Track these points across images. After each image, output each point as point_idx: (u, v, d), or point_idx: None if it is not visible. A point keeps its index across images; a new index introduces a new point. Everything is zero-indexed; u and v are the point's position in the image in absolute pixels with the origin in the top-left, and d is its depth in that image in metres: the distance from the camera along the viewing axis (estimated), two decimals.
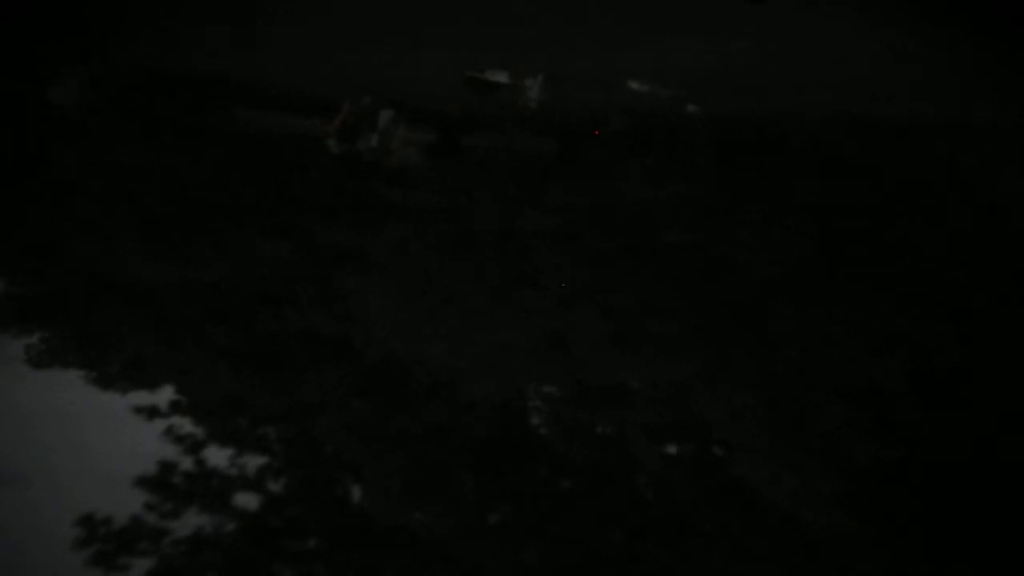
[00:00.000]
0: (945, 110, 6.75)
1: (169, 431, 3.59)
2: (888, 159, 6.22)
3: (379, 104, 6.25)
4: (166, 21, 7.12)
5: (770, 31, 7.92)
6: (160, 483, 3.34)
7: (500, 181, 5.70)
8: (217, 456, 3.50)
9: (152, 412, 3.67)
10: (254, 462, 3.48)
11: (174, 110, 6.04)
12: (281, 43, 6.96)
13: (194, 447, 3.53)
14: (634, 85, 7.04)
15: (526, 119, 6.48)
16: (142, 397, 3.75)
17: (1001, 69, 7.39)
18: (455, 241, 5.08)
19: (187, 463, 3.46)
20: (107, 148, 5.59)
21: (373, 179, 5.67)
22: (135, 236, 4.78)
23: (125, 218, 4.93)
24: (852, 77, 7.17)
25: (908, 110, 6.71)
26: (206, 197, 5.21)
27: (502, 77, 6.90)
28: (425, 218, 5.27)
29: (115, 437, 3.52)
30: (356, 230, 5.11)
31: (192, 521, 3.21)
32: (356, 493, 3.42)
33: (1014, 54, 7.67)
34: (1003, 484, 3.61)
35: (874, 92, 6.98)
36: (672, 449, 3.72)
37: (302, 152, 5.81)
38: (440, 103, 6.46)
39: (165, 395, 3.77)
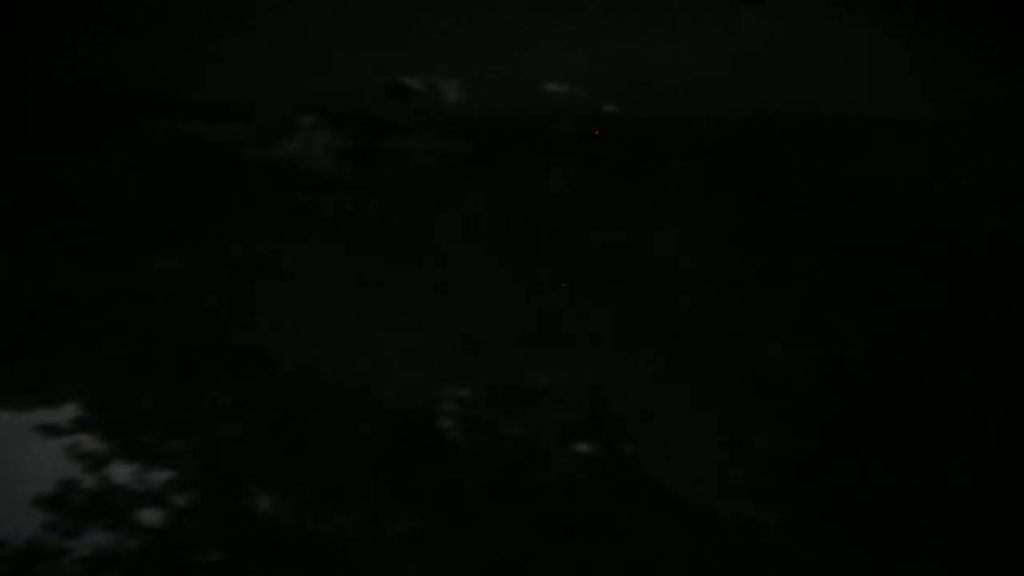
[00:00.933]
0: (886, 108, 6.89)
1: (71, 449, 3.52)
2: (819, 157, 6.33)
3: (294, 110, 6.21)
4: (67, 35, 7.00)
5: (705, 30, 8.01)
6: (60, 503, 3.27)
7: (417, 185, 5.69)
8: (121, 472, 3.44)
9: (54, 430, 3.60)
10: (159, 477, 3.43)
11: (79, 123, 5.94)
12: (193, 50, 6.88)
13: (97, 464, 3.46)
14: (552, 86, 7.07)
15: (444, 122, 6.48)
16: (44, 415, 3.67)
17: (947, 67, 7.55)
18: (371, 246, 5.06)
19: (89, 481, 3.39)
20: (8, 163, 5.48)
21: (289, 186, 5.62)
22: (38, 250, 4.69)
23: (27, 232, 4.83)
24: (793, 76, 7.28)
25: (849, 108, 6.83)
26: (112, 210, 5.13)
27: (420, 81, 6.90)
28: (341, 224, 5.24)
29: (13, 458, 3.44)
30: (270, 238, 5.06)
31: (93, 539, 3.15)
32: (264, 504, 3.38)
33: (960, 51, 7.84)
34: (913, 472, 3.68)
35: (814, 90, 7.09)
36: (583, 447, 3.74)
37: (215, 162, 5.75)
38: (356, 108, 6.43)
39: (68, 412, 3.70)
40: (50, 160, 5.54)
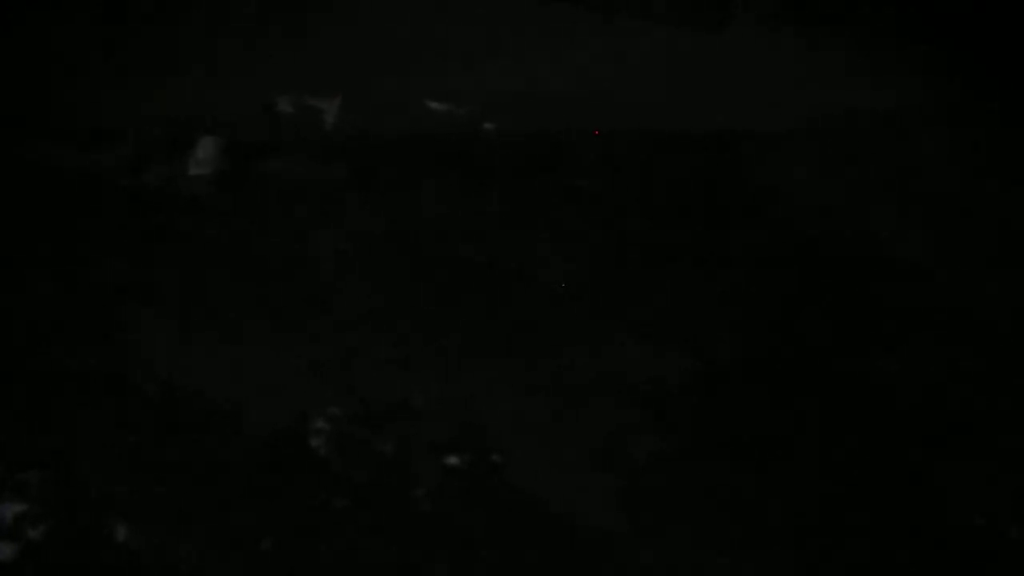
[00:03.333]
0: (747, 122, 7.07)
1: None
2: (691, 170, 6.47)
3: (169, 134, 6.11)
4: None
5: (589, 48, 8.14)
6: None
7: (292, 208, 5.65)
8: None
9: None
10: (12, 511, 3.32)
11: None
12: (61, 74, 6.72)
13: None
14: (432, 105, 7.11)
15: (323, 144, 6.45)
16: None
17: (821, 79, 7.78)
18: (243, 270, 5.00)
19: None
20: None
21: (161, 211, 5.52)
22: None
23: None
24: (674, 92, 7.42)
25: (729, 122, 6.99)
26: None
27: (299, 103, 6.86)
28: (213, 248, 5.17)
29: None
30: (139, 264, 4.96)
31: None
32: (122, 532, 3.31)
33: (835, 64, 8.09)
34: (775, 469, 3.79)
35: (682, 106, 7.24)
36: (452, 460, 3.75)
37: (84, 187, 5.61)
38: (233, 131, 6.36)
39: None
40: None
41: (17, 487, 3.44)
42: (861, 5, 8.11)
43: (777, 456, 3.88)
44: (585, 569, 3.35)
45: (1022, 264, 5.26)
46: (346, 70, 7.45)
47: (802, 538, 3.49)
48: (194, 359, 4.23)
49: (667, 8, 8.40)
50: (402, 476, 3.66)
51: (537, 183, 6.12)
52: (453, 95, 7.17)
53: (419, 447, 3.80)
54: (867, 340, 4.62)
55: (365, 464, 3.73)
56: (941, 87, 7.12)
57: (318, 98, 7.09)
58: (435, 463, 3.72)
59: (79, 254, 4.91)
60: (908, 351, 4.49)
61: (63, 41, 7.24)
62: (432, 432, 3.88)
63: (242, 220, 5.52)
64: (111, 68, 6.94)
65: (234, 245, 5.18)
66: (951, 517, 3.55)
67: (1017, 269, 5.23)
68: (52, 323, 4.33)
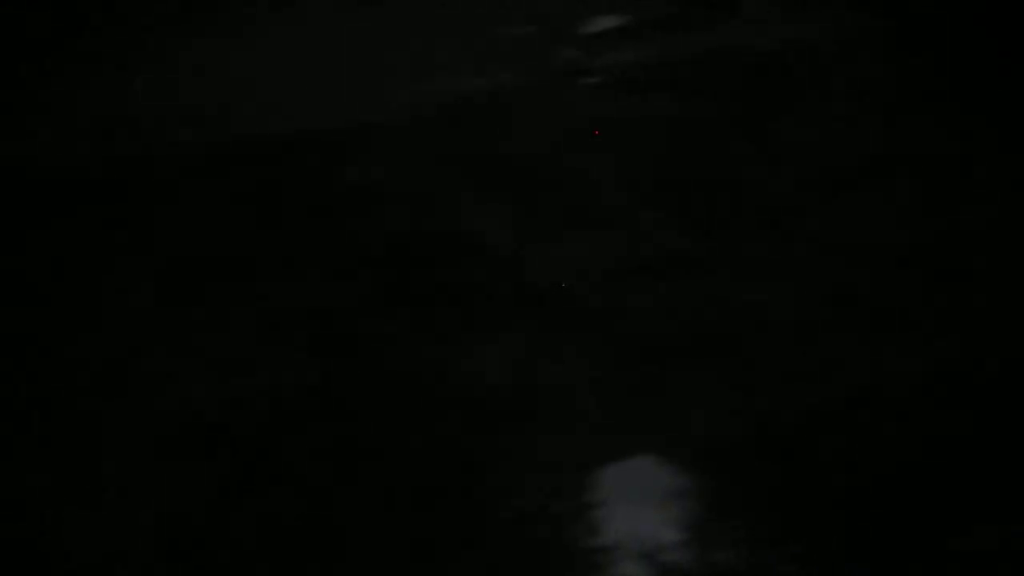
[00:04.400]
0: (331, 121, 6.91)
1: None
2: (252, 181, 6.21)
3: None
4: None
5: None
6: None
7: None
8: None
9: None
10: None
11: None
12: None
13: None
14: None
15: None
16: None
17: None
18: None
19: None
20: None
21: None
22: None
23: None
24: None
25: (292, 124, 6.78)
26: None
27: None
28: None
29: None
30: None
31: None
32: None
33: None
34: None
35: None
36: None
37: None
38: None
39: None
40: None
41: None
42: None
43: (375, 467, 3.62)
44: None
45: (583, 232, 5.34)
46: None
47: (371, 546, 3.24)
48: None
49: None
50: None
51: (95, 215, 5.65)
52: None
53: None
54: (456, 327, 4.49)
55: None
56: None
57: None
58: None
59: None
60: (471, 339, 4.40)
61: None
62: None
63: None
64: None
65: None
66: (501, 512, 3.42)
67: (577, 243, 5.31)
68: None
